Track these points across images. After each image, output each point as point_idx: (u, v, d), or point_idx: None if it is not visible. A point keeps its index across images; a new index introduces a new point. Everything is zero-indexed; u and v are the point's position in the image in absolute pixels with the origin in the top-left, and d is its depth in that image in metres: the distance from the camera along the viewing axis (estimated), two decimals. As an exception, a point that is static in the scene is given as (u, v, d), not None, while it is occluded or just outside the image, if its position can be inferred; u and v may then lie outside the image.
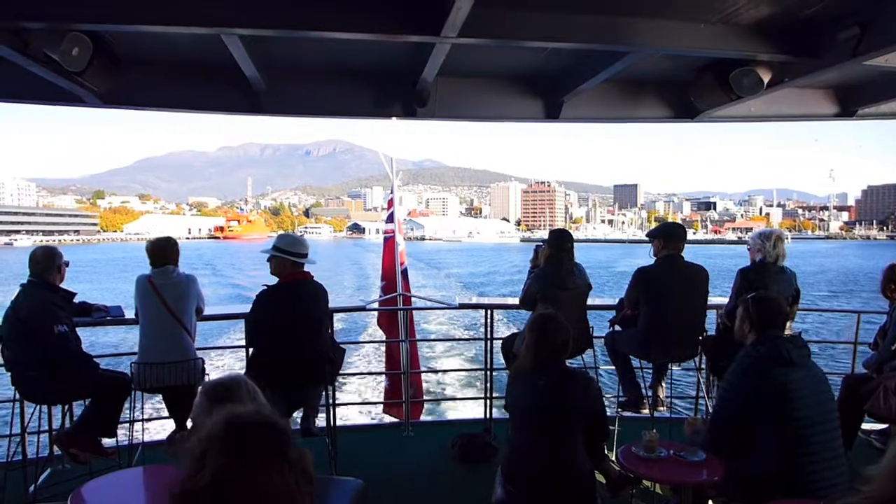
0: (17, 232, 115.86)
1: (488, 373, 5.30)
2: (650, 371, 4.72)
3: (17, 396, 3.73)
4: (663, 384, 4.69)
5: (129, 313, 4.26)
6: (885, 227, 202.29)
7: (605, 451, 3.19)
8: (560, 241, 4.46)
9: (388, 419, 6.09)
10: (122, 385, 3.87)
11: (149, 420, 4.74)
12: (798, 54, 3.65)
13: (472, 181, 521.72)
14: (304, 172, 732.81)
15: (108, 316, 4.30)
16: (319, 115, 4.94)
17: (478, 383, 10.70)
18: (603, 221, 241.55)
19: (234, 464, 1.09)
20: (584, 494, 2.73)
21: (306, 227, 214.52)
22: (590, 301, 4.69)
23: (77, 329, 3.85)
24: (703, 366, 4.70)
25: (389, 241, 7.23)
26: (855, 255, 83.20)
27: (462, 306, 6.08)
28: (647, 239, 4.53)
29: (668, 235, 4.38)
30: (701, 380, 4.89)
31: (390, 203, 7.50)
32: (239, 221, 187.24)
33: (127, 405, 3.96)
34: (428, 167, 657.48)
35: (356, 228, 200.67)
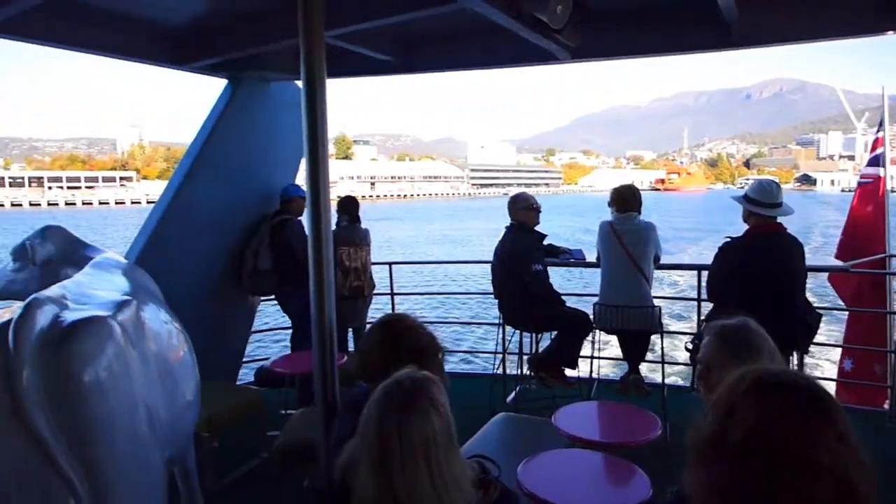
0: (509, 185, 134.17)
1: None
2: None
3: (502, 321, 4.40)
4: None
5: (590, 257, 4.54)
6: None
7: None
8: None
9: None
10: (585, 323, 4.14)
11: (604, 359, 4.98)
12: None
13: None
14: (743, 118, 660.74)
15: (571, 258, 4.69)
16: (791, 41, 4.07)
17: None
18: None
19: (769, 425, 0.96)
20: None
21: (747, 179, 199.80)
22: None
23: (549, 269, 4.30)
24: None
25: (864, 188, 5.84)
26: None
27: None
28: None
29: None
30: None
31: (877, 142, 5.97)
32: (679, 174, 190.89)
33: (588, 342, 4.25)
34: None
35: (806, 180, 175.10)
